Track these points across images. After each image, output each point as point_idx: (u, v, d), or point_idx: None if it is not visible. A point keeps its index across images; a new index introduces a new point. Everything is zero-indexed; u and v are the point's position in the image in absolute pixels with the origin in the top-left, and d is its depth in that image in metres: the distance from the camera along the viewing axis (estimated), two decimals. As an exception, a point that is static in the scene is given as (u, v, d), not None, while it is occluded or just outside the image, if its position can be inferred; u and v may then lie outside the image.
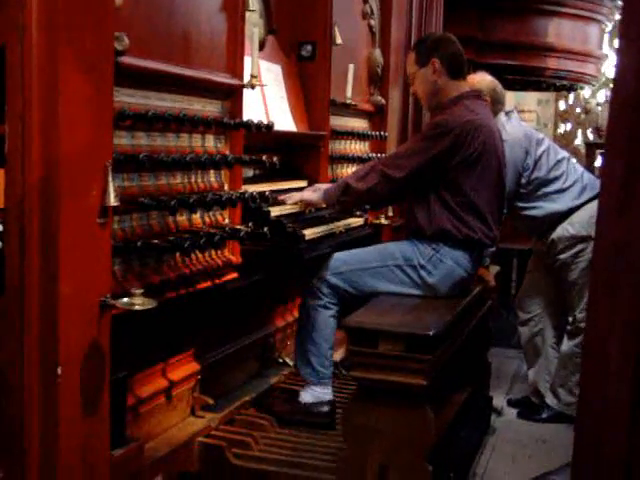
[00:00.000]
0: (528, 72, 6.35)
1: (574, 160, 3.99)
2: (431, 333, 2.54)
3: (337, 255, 3.22)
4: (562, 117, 9.08)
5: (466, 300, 3.11)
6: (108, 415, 2.15)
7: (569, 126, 9.00)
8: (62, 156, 1.90)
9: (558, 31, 6.47)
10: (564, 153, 3.93)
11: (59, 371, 1.94)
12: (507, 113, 3.86)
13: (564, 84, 6.97)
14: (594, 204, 3.77)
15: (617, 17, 7.35)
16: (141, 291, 2.03)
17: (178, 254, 2.44)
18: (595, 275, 1.48)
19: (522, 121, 4.04)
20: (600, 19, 6.70)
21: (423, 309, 2.89)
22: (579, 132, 8.92)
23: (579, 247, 3.80)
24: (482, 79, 3.77)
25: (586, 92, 8.81)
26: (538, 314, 4.04)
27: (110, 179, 2.03)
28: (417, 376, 2.56)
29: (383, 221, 4.23)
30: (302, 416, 3.17)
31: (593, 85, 7.23)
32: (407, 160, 3.06)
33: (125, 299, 2.02)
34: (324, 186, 3.32)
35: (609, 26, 7.03)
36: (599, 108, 9.02)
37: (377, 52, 4.47)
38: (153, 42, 2.35)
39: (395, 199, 3.43)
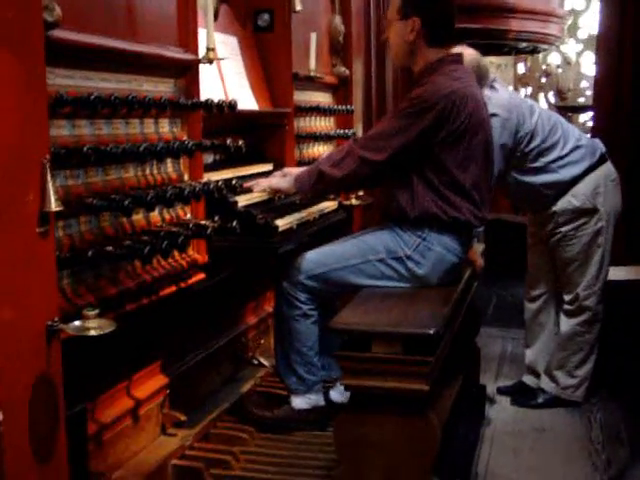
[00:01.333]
0: (490, 35, 6.04)
1: (565, 121, 3.67)
2: (431, 332, 2.24)
3: (309, 255, 2.89)
4: (522, 81, 8.82)
5: (459, 287, 2.82)
6: (66, 458, 1.81)
7: (529, 90, 8.74)
8: (-14, 155, 1.54)
9: (520, -10, 6.19)
10: (555, 116, 3.63)
11: (0, 417, 1.59)
12: (491, 83, 3.53)
13: (527, 46, 6.71)
14: (598, 173, 3.53)
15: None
16: (96, 312, 1.69)
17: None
18: None
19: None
20: (561, -24, 6.44)
21: (416, 302, 2.59)
22: (541, 95, 8.66)
23: (582, 220, 3.52)
24: (464, 54, 3.42)
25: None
26: (547, 290, 3.77)
27: (49, 179, 1.67)
28: (417, 380, 2.26)
29: (354, 202, 3.91)
30: (298, 423, 2.95)
31: (556, 46, 6.97)
32: (387, 141, 2.74)
33: (77, 323, 1.68)
34: (294, 171, 2.99)
35: (571, -17, 6.77)
36: (559, 70, 8.78)
37: (338, 19, 4.14)
38: (91, 12, 1.99)
39: (375, 184, 3.09)
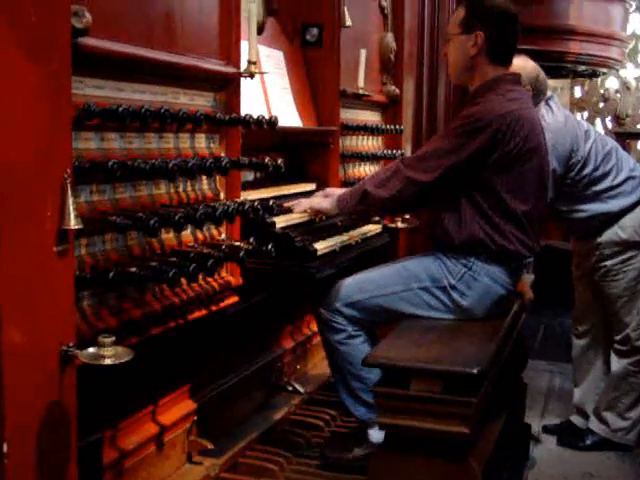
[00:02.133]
0: (549, 57, 5.85)
1: (620, 149, 3.46)
2: (475, 371, 2.08)
3: (347, 281, 2.75)
4: (578, 105, 8.57)
5: (506, 321, 2.65)
6: (77, 492, 1.70)
7: (586, 114, 8.50)
8: (2, 168, 1.44)
9: (580, 12, 6.01)
10: (611, 142, 3.43)
11: (4, 449, 1.48)
12: (547, 101, 3.35)
13: (586, 69, 6.51)
14: None
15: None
16: (112, 339, 1.57)
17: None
18: None
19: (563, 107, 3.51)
20: (624, -2, 6.23)
21: (460, 337, 2.43)
22: (598, 121, 8.41)
23: (629, 254, 3.32)
24: (524, 65, 3.24)
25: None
26: (595, 326, 3.57)
27: (69, 194, 1.57)
28: (458, 423, 2.10)
29: (400, 225, 3.76)
30: None
31: (616, 70, 6.75)
32: (437, 161, 2.59)
33: (91, 350, 1.56)
34: (337, 191, 2.85)
35: (633, 5, 6.55)
36: (618, 95, 8.52)
37: (389, 37, 4.01)
38: (125, 20, 1.89)
39: (421, 206, 2.91)
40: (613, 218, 3.31)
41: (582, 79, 8.24)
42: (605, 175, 3.29)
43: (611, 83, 8.82)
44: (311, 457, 2.89)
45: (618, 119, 8.51)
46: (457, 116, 2.70)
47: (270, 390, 3.21)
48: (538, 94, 3.26)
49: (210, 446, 2.62)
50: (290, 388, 3.28)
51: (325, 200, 2.80)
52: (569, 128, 3.29)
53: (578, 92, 8.77)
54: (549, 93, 3.37)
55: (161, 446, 2.46)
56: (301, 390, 3.29)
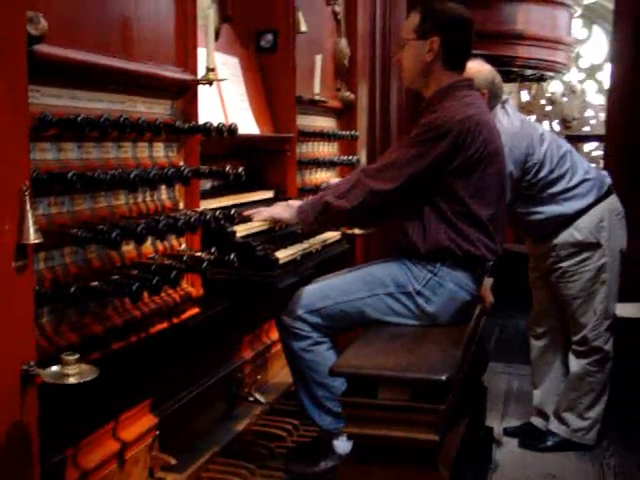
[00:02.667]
0: (498, 62, 5.84)
1: (575, 152, 3.49)
2: (443, 378, 2.07)
3: (309, 288, 2.70)
4: (526, 109, 8.69)
5: (470, 326, 2.65)
6: (40, 517, 1.64)
7: (533, 118, 8.62)
8: (-43, 181, 1.38)
9: (527, 17, 6.10)
10: (566, 145, 3.44)
11: (-36, 475, 1.42)
12: (503, 104, 3.36)
13: (534, 73, 6.60)
14: (602, 207, 3.34)
15: (587, 1, 7.01)
16: (76, 356, 1.51)
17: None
18: None
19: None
20: (569, 3, 6.34)
21: (425, 343, 2.41)
22: (545, 124, 8.53)
23: (585, 255, 3.35)
24: (480, 69, 3.24)
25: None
26: (553, 327, 3.59)
27: (28, 207, 1.51)
28: (427, 430, 2.08)
29: (357, 231, 3.75)
30: None
31: (563, 74, 6.86)
32: (398, 170, 2.56)
33: (54, 368, 1.51)
34: (296, 203, 2.80)
35: (578, 11, 6.67)
36: (564, 99, 8.67)
37: (343, 42, 4.01)
38: (81, 27, 1.84)
39: (385, 216, 2.89)
40: (569, 220, 3.33)
41: (529, 83, 8.37)
42: (560, 178, 3.31)
43: (555, 87, 8.97)
44: (275, 468, 2.84)
45: (565, 122, 8.67)
46: (416, 124, 2.67)
47: (231, 401, 3.16)
48: (495, 97, 3.27)
49: (173, 461, 2.56)
50: (251, 398, 3.24)
51: (286, 210, 2.75)
52: (525, 131, 3.30)
53: (525, 96, 8.89)
54: (505, 97, 3.39)
55: (123, 463, 2.39)
56: (262, 400, 3.25)
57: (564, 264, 3.38)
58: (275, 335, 3.55)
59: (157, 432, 2.55)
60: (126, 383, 2.33)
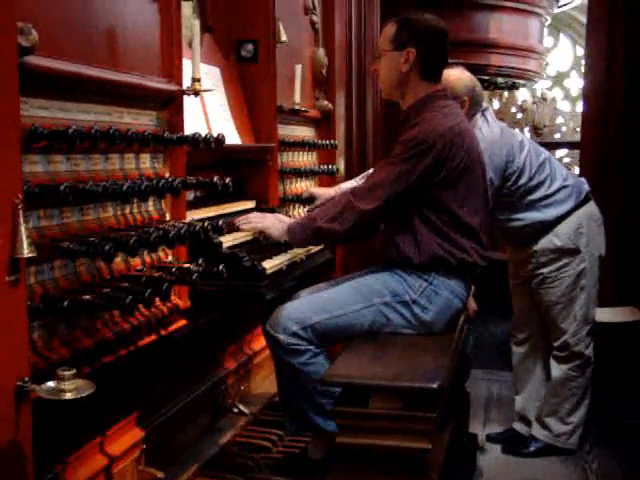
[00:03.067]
0: (471, 70, 5.93)
1: (554, 158, 3.53)
2: (435, 386, 2.07)
3: (300, 303, 2.68)
4: (497, 117, 8.78)
5: (456, 334, 2.66)
6: (34, 535, 1.61)
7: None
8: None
9: (499, 26, 6.18)
10: (545, 152, 3.48)
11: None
12: (483, 112, 3.39)
13: (506, 81, 6.69)
14: (581, 213, 3.37)
15: (556, 10, 7.11)
16: (72, 372, 1.49)
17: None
18: None
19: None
20: (540, 12, 6.43)
21: (415, 352, 2.41)
22: (516, 132, 8.62)
23: (565, 260, 3.38)
24: (461, 76, 3.27)
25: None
26: (534, 333, 3.61)
27: (21, 221, 1.49)
28: (420, 438, 2.09)
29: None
30: None
31: (535, 82, 6.95)
32: (387, 189, 2.57)
33: (50, 384, 1.49)
34: (285, 219, 2.78)
35: (549, 19, 6.75)
36: (534, 106, 8.77)
37: (321, 52, 4.01)
38: (70, 38, 1.82)
39: (374, 231, 2.88)
40: (548, 226, 3.36)
41: (499, 91, 8.46)
42: (540, 184, 3.34)
43: (524, 95, 9.07)
44: (261, 479, 2.83)
45: (536, 129, 8.77)
46: (398, 141, 2.66)
47: (216, 413, 3.13)
48: (475, 105, 3.30)
49: (160, 475, 2.53)
50: (235, 410, 3.22)
51: (275, 227, 2.71)
52: (505, 139, 3.33)
53: (496, 104, 8.99)
54: (484, 104, 3.41)
55: (110, 478, 2.36)
56: (246, 411, 3.23)
57: (544, 270, 3.40)
58: (257, 346, 3.54)
59: (144, 446, 2.52)
60: (115, 397, 2.30)
